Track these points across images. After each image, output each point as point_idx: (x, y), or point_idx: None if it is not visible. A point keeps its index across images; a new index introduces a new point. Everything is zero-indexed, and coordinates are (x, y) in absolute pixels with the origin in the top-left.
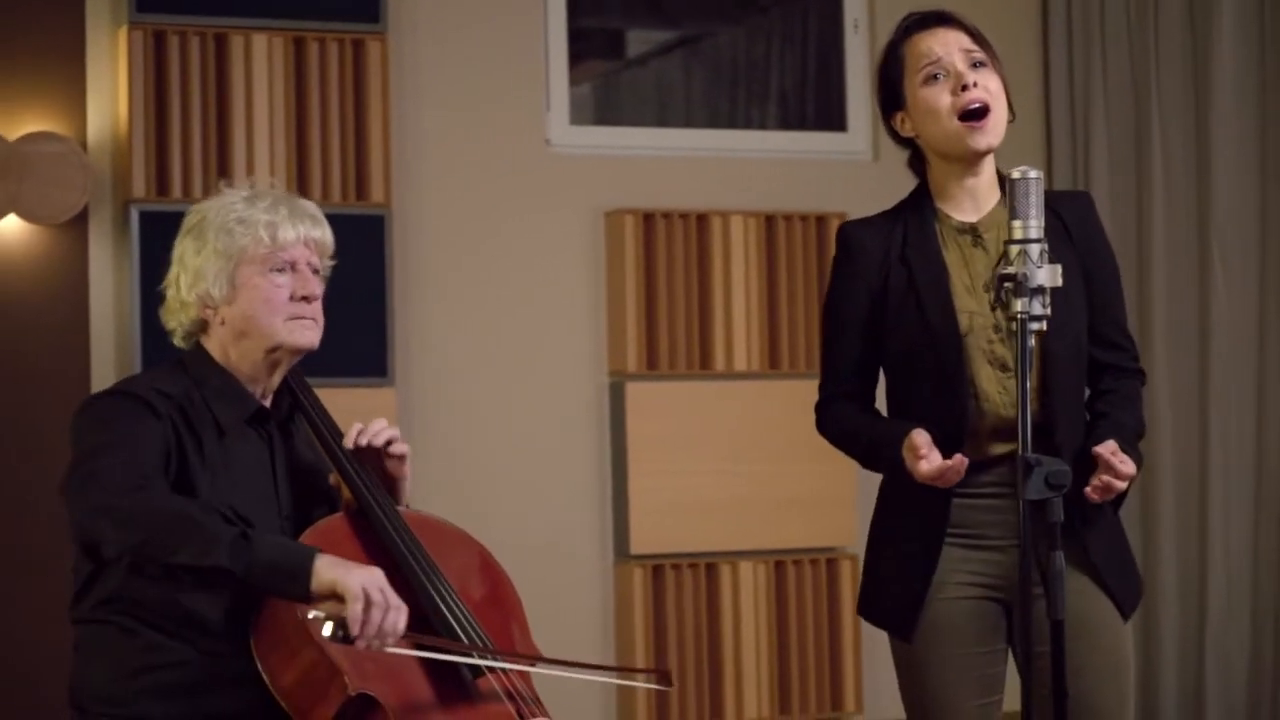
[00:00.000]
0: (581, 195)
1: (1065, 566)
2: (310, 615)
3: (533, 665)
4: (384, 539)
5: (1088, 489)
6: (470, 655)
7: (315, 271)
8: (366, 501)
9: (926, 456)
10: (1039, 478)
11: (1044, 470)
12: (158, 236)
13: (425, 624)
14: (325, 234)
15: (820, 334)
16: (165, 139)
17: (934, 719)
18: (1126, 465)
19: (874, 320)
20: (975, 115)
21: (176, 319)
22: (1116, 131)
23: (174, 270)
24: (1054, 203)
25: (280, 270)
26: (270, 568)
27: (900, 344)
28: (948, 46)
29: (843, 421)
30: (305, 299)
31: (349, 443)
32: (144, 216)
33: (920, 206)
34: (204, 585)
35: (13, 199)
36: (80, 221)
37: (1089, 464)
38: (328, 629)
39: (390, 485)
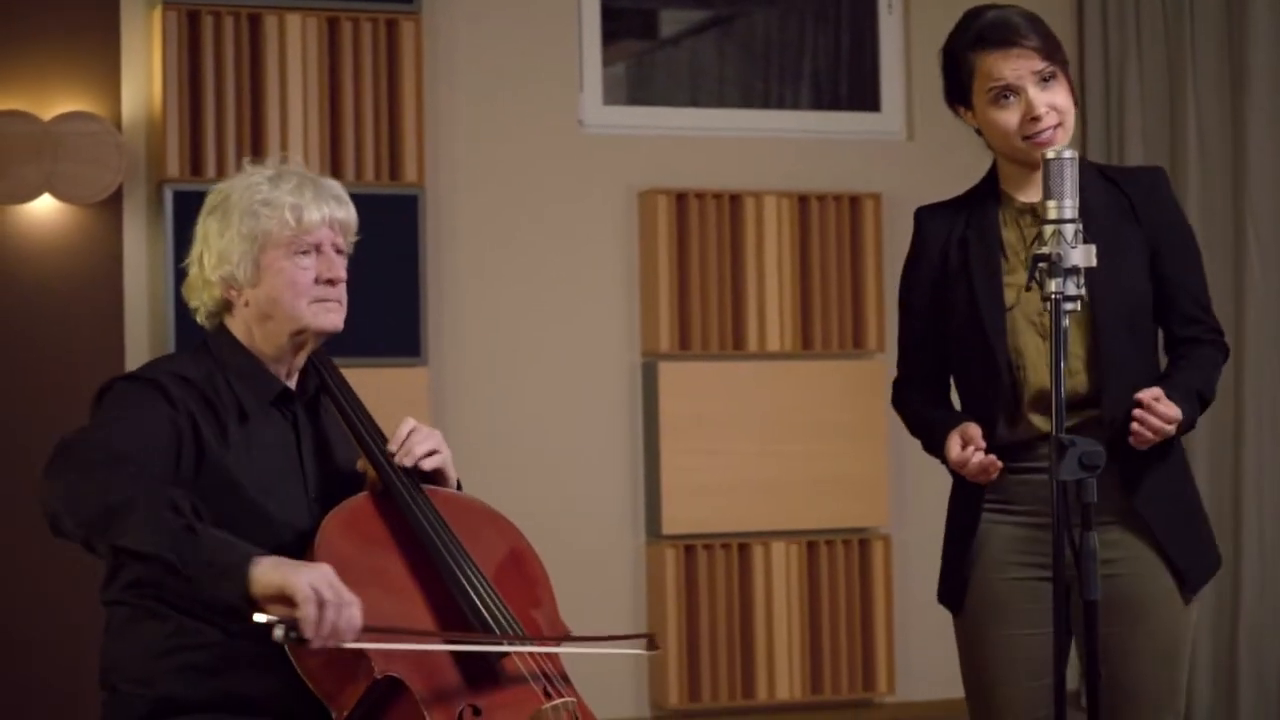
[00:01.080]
0: (614, 175)
1: (1124, 540)
2: (260, 619)
3: (551, 656)
4: (409, 519)
5: (1131, 438)
6: (437, 643)
7: (339, 252)
8: (391, 481)
9: (964, 443)
10: (1073, 458)
11: (1078, 450)
12: (192, 216)
13: (450, 605)
14: (350, 214)
15: (898, 316)
16: (199, 119)
17: (985, 698)
18: (1163, 405)
19: (936, 302)
20: (1043, 135)
21: (199, 297)
22: (1150, 107)
23: (197, 248)
24: (1121, 179)
25: (305, 253)
26: (208, 565)
27: (954, 323)
28: (1018, 71)
29: (905, 407)
30: (330, 282)
31: (394, 446)
32: (178, 196)
33: (988, 189)
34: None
35: (47, 179)
36: (114, 201)
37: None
38: (279, 632)
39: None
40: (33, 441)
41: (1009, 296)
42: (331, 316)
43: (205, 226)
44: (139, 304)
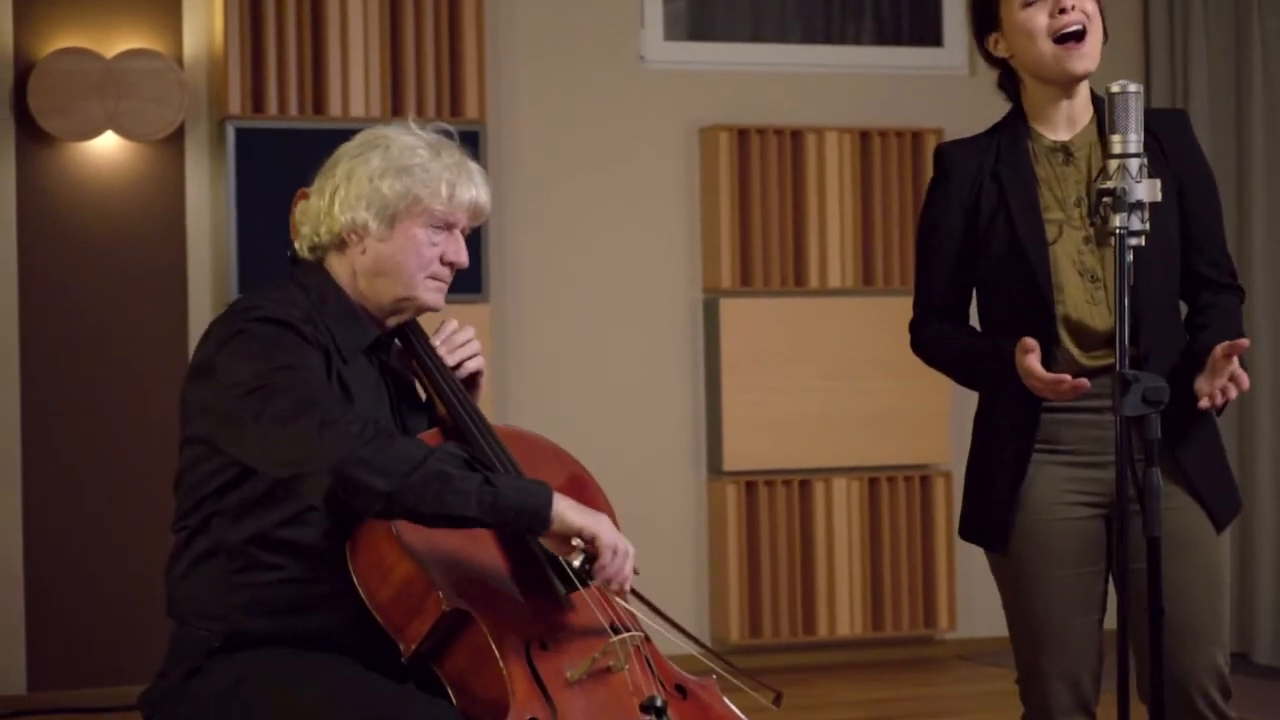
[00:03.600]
0: (676, 111)
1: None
2: (574, 542)
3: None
4: (478, 455)
5: (1203, 400)
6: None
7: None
8: (459, 414)
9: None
10: (1136, 394)
11: (1141, 386)
12: (253, 153)
13: (519, 545)
14: (488, 201)
15: (915, 253)
16: (261, 56)
17: (1035, 638)
18: (1244, 378)
19: (967, 238)
20: (1072, 38)
21: (313, 225)
22: (1216, 51)
23: (332, 180)
24: (1149, 120)
25: (440, 229)
26: (516, 512)
27: (990, 257)
28: None
29: (940, 340)
30: (451, 265)
31: (438, 339)
32: (240, 133)
33: (1014, 126)
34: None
35: (110, 116)
36: (177, 138)
37: (1180, 376)
38: (578, 561)
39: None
40: (99, 378)
41: (1050, 232)
42: (438, 296)
43: (351, 164)
44: (201, 239)
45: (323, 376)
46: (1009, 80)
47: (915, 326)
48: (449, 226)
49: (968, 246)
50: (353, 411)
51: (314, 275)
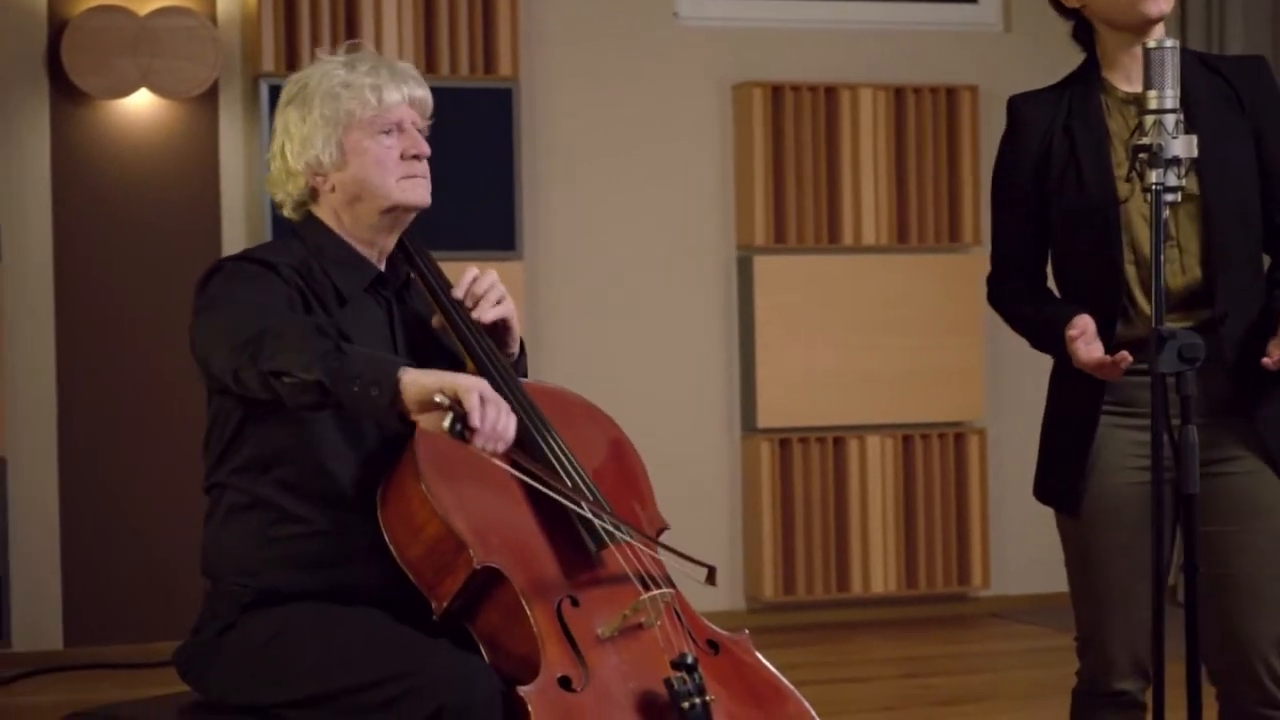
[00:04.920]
0: (709, 68)
1: (1236, 439)
2: (432, 405)
3: (650, 546)
4: None
5: (1265, 359)
6: (579, 505)
7: (419, 131)
8: (484, 365)
9: (1087, 341)
10: (1171, 351)
11: (1177, 343)
12: None
13: (546, 498)
14: (427, 94)
15: (991, 207)
16: (294, 13)
17: (1097, 601)
18: None
19: (1037, 191)
20: None
21: (284, 189)
22: (1252, 3)
23: (277, 140)
24: (1224, 69)
25: (387, 132)
26: (357, 377)
27: (1061, 211)
28: None
29: (1011, 302)
30: (415, 157)
31: (459, 292)
32: (274, 90)
33: (1087, 78)
34: (302, 410)
35: (144, 74)
36: (210, 96)
37: (1262, 332)
38: (447, 421)
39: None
40: (135, 332)
41: (1122, 190)
42: (420, 191)
43: (285, 117)
44: (235, 197)
45: (277, 299)
46: (1083, 32)
47: (990, 282)
48: (395, 126)
49: (1039, 202)
50: (246, 300)
51: (308, 226)
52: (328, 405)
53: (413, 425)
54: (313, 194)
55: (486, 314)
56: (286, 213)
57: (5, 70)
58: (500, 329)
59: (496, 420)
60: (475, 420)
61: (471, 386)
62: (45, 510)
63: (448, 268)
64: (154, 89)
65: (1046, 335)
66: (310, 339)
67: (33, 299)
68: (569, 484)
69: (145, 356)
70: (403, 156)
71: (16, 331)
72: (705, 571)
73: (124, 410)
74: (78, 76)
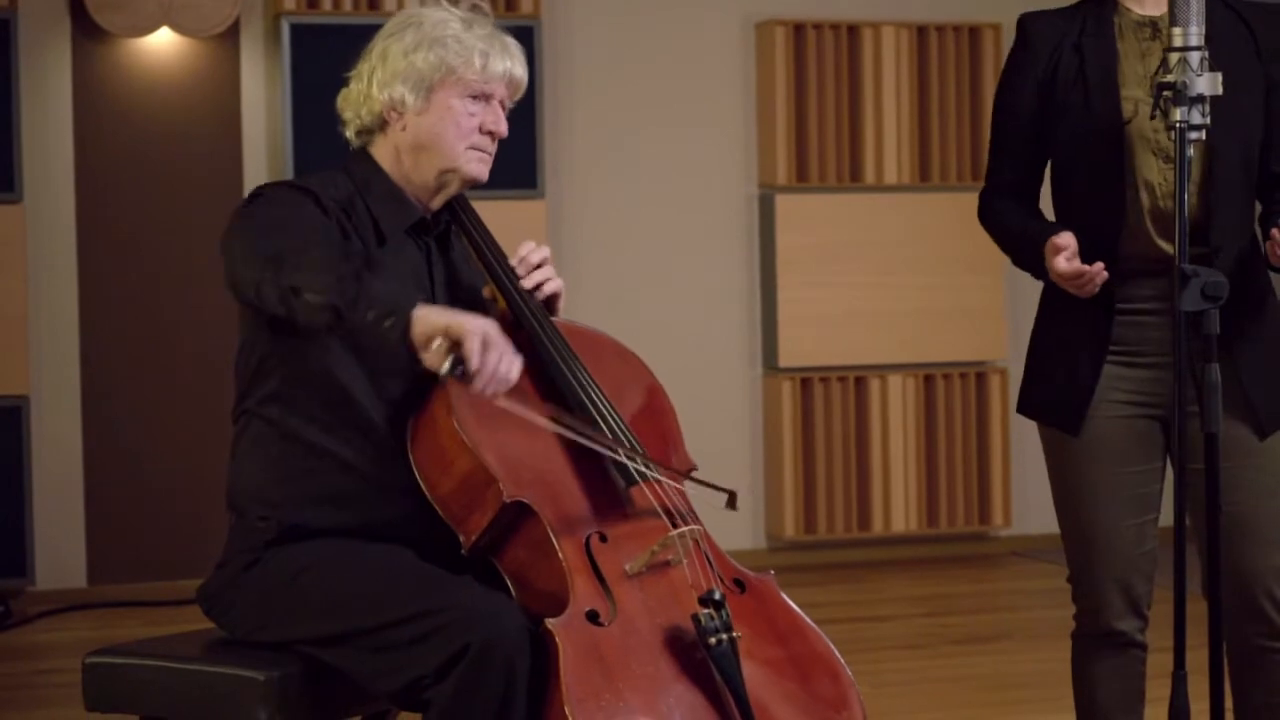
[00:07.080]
0: (731, 5)
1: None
2: (434, 346)
3: (676, 480)
4: (539, 350)
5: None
6: (598, 443)
7: (504, 109)
8: (521, 311)
9: (1067, 256)
10: (1195, 289)
11: (1200, 281)
12: (308, 49)
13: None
14: (525, 75)
15: (991, 124)
16: None
17: (1084, 535)
18: None
19: (1041, 110)
20: None
21: (355, 110)
22: None
23: (369, 63)
24: (1247, 13)
25: (477, 99)
26: (371, 305)
27: (1064, 131)
28: None
29: (1001, 216)
30: (491, 134)
31: (514, 260)
32: (295, 29)
33: (1103, 1)
34: (315, 331)
35: (166, 12)
36: (232, 34)
37: (1249, 270)
38: (446, 365)
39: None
40: (157, 270)
41: (1125, 110)
42: (481, 167)
43: (385, 45)
44: (256, 135)
45: (315, 221)
46: None
47: (982, 197)
48: (486, 97)
49: (1041, 122)
50: (277, 215)
51: (359, 162)
52: (340, 330)
53: None
54: (381, 124)
55: (534, 281)
56: (349, 134)
57: (27, 7)
58: (549, 305)
59: (498, 364)
60: (475, 363)
61: (474, 330)
62: (68, 449)
63: (473, 206)
64: (175, 27)
65: (1027, 250)
66: (334, 261)
67: (55, 238)
68: (601, 424)
69: (167, 294)
70: (481, 129)
71: (39, 270)
72: (725, 497)
73: (146, 348)
74: (99, 15)
